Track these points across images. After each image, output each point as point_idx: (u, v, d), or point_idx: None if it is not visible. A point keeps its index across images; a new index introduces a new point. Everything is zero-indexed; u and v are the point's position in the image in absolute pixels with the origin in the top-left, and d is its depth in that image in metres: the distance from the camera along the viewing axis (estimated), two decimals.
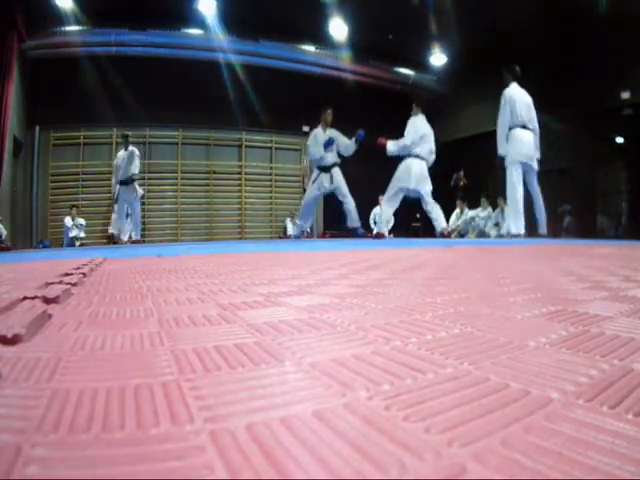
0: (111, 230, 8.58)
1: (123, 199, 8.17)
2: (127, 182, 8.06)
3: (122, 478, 0.26)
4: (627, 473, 0.27)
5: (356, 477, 0.26)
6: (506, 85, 6.59)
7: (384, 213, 7.71)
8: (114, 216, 8.70)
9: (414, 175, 7.10)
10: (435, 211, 7.25)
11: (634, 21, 7.41)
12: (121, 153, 8.11)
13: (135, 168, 8.06)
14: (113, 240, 8.51)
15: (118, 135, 9.97)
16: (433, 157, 7.32)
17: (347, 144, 7.31)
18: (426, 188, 7.19)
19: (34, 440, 0.31)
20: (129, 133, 8.03)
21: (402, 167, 7.23)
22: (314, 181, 7.49)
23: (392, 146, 7.23)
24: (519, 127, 6.53)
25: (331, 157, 7.37)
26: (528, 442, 0.31)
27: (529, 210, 6.77)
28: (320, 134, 7.38)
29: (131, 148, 8.03)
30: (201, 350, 0.57)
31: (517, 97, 6.49)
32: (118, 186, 8.11)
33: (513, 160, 6.52)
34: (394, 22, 9.06)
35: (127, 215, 9.67)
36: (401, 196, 7.33)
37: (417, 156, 7.16)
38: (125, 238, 9.52)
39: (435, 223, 7.28)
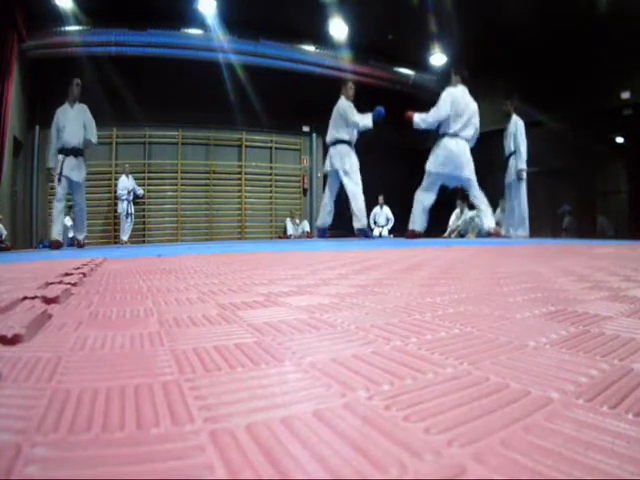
0: (54, 236, 5.90)
1: (68, 178, 5.99)
2: (77, 153, 6.10)
3: (122, 478, 0.26)
4: (627, 473, 0.27)
5: (356, 477, 0.26)
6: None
7: (417, 206, 6.77)
8: (55, 212, 6.08)
9: (453, 158, 6.25)
10: (482, 204, 6.41)
11: (634, 21, 7.41)
12: (66, 110, 6.13)
13: (93, 134, 6.22)
14: (54, 245, 5.94)
15: (117, 135, 9.98)
16: (476, 138, 6.49)
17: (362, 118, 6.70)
18: (469, 174, 6.32)
19: (34, 440, 0.31)
20: (78, 80, 6.29)
21: (438, 149, 6.39)
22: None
23: (419, 118, 6.39)
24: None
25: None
26: (528, 442, 0.31)
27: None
28: (350, 105, 6.78)
29: (83, 105, 6.21)
30: (201, 350, 0.57)
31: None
32: (61, 158, 5.95)
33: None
34: (394, 22, 9.06)
35: (128, 215, 9.67)
36: (439, 184, 6.52)
37: (456, 135, 6.31)
38: (125, 238, 9.52)
39: (480, 220, 6.57)
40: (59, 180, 6.02)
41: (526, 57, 9.00)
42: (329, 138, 7.08)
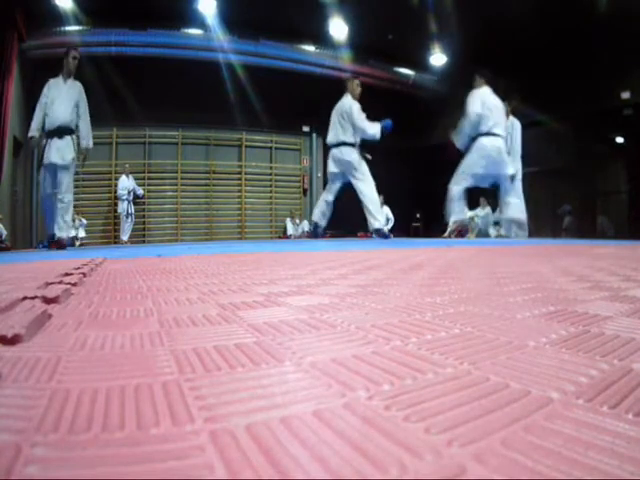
0: (58, 233, 5.16)
1: (53, 165, 5.14)
2: (63, 132, 5.28)
3: (122, 478, 0.26)
4: (627, 473, 0.27)
5: (356, 477, 0.26)
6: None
7: (453, 207, 6.59)
8: (46, 209, 5.42)
9: (492, 157, 6.12)
10: (514, 196, 6.28)
11: (634, 21, 7.41)
12: (58, 83, 5.38)
13: (88, 135, 5.53)
14: (56, 244, 5.22)
15: (117, 135, 9.98)
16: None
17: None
18: (506, 171, 6.19)
19: (34, 440, 0.31)
20: (75, 52, 5.64)
21: (475, 151, 6.21)
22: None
23: (455, 135, 6.31)
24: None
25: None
26: (528, 442, 0.31)
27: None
28: (358, 106, 6.45)
29: (77, 83, 5.52)
30: (201, 350, 0.57)
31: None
32: (45, 141, 5.21)
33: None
34: (394, 22, 9.07)
35: (128, 215, 9.66)
36: (472, 182, 6.40)
37: (490, 133, 6.18)
38: (125, 238, 9.52)
39: (505, 212, 6.37)
40: (42, 170, 5.29)
41: (526, 57, 9.00)
42: (332, 139, 6.77)
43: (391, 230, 11.44)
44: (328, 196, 7.01)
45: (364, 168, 6.57)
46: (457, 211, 6.52)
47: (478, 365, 0.49)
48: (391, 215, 11.47)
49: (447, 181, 8.18)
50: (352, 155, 6.61)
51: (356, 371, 0.47)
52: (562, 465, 0.28)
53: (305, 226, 11.44)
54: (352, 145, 6.65)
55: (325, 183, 12.31)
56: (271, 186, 11.58)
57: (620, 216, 8.75)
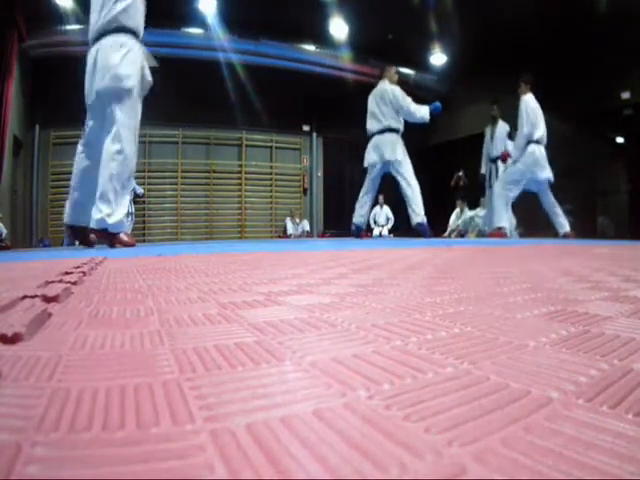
0: (66, 219, 4.24)
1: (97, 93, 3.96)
2: (116, 30, 3.97)
3: (123, 477, 0.26)
4: (627, 473, 0.27)
5: (356, 476, 0.26)
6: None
7: (499, 201, 6.73)
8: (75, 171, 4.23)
9: (540, 163, 6.40)
10: (557, 207, 6.48)
11: (634, 21, 7.41)
12: None
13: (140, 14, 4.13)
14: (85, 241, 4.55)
15: None
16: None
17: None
18: (550, 176, 6.46)
19: (34, 439, 0.31)
20: None
21: (524, 158, 6.48)
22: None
23: (514, 149, 6.59)
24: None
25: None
26: (528, 442, 0.31)
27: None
28: (402, 91, 6.36)
29: None
30: (201, 349, 0.57)
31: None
32: (91, 53, 4.04)
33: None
34: (394, 22, 9.07)
35: (128, 214, 9.64)
36: (520, 190, 6.61)
37: (538, 141, 6.49)
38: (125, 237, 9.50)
39: (557, 221, 6.57)
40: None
41: (526, 57, 9.00)
42: (374, 126, 6.49)
43: (391, 230, 11.46)
44: (369, 195, 6.87)
45: (408, 159, 6.41)
46: (505, 217, 6.66)
47: (478, 365, 0.49)
48: (391, 215, 11.49)
49: (447, 182, 8.18)
50: (396, 140, 6.39)
51: (356, 370, 0.47)
52: (562, 465, 0.28)
53: (305, 225, 11.44)
54: (397, 131, 6.42)
55: (325, 183, 12.36)
56: (271, 185, 11.58)
57: (620, 216, 8.75)
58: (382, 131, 6.44)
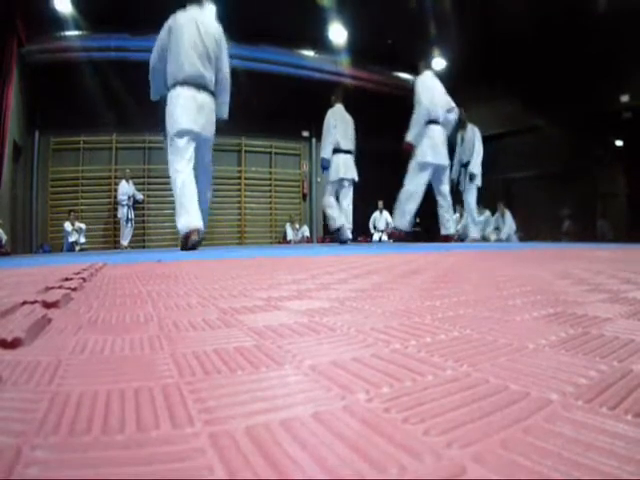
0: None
1: (193, 133, 4.46)
2: (201, 86, 4.47)
3: (122, 478, 0.26)
4: (626, 473, 0.27)
5: (355, 478, 0.26)
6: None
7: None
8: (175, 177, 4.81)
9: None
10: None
11: (634, 24, 7.45)
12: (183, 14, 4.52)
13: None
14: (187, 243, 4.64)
15: (117, 140, 9.99)
16: None
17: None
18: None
19: (34, 442, 0.31)
20: None
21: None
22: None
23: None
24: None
25: None
26: (528, 443, 0.31)
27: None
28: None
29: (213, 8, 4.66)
30: (201, 353, 0.57)
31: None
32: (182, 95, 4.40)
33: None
34: (393, 27, 9.11)
35: (128, 220, 9.65)
36: None
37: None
38: (125, 243, 9.51)
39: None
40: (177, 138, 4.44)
41: (525, 60, 9.04)
42: (348, 145, 7.23)
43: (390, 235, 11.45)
44: (336, 204, 7.35)
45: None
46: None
47: (478, 367, 0.49)
48: (390, 220, 11.47)
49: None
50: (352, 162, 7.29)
51: (356, 374, 0.47)
52: (562, 466, 0.28)
53: (305, 231, 11.43)
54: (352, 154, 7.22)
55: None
56: (271, 191, 11.59)
57: (619, 219, 8.75)
58: (348, 152, 7.30)
